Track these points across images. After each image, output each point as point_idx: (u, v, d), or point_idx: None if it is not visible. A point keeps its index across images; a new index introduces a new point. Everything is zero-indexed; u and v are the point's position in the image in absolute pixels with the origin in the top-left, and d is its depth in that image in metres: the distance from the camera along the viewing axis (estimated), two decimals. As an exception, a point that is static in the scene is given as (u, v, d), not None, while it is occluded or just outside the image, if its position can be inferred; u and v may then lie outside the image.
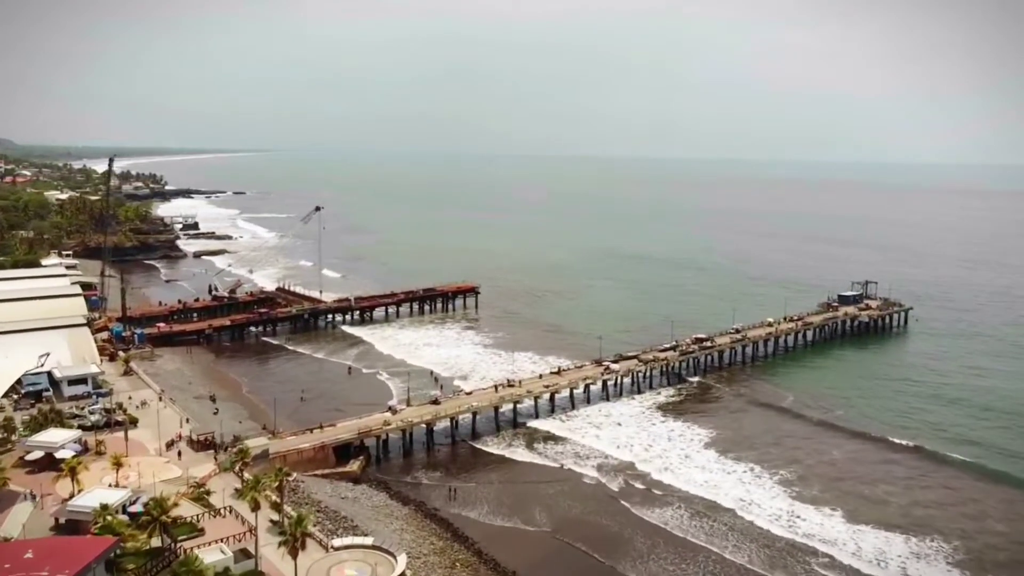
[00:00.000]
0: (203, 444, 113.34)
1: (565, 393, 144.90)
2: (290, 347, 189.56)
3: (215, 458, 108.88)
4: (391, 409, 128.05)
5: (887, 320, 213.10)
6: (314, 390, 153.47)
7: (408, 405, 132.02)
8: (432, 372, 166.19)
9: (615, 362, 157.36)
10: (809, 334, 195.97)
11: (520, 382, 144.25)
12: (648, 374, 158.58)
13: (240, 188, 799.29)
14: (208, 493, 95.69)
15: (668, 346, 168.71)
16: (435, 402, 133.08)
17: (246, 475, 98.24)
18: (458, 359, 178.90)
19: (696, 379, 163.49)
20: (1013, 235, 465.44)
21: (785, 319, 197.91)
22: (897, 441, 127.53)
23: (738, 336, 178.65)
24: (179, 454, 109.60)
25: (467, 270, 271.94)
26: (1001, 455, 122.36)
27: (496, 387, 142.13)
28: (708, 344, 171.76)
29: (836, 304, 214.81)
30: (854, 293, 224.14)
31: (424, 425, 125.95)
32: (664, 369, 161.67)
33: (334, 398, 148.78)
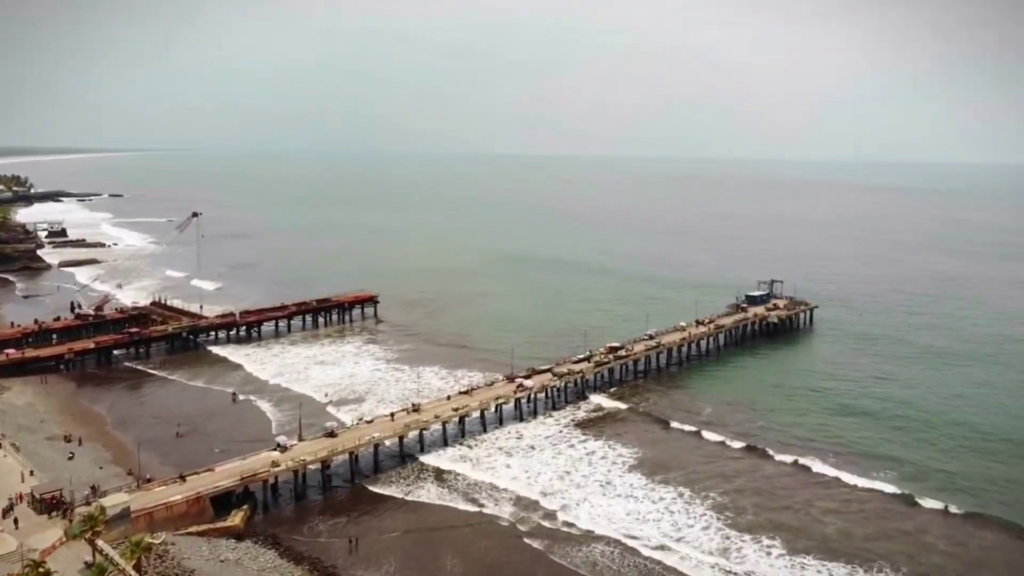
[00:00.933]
0: (50, 503, 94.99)
1: (476, 415, 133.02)
2: (164, 373, 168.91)
3: (66, 520, 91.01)
4: (280, 447, 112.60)
5: (794, 319, 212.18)
6: (192, 424, 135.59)
7: (300, 439, 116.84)
8: (328, 396, 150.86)
9: (528, 377, 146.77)
10: (721, 337, 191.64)
11: (424, 407, 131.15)
12: (563, 389, 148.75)
13: (117, 190, 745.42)
14: (48, 574, 78.28)
15: (582, 357, 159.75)
16: (331, 434, 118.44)
17: (101, 544, 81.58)
18: (357, 379, 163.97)
19: (613, 392, 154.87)
20: (910, 230, 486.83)
21: (697, 322, 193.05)
22: (821, 459, 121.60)
23: (652, 343, 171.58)
24: (15, 521, 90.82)
25: (365, 277, 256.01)
26: (922, 469, 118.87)
27: (401, 412, 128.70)
28: (623, 353, 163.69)
29: (745, 305, 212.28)
30: (761, 293, 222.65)
31: (319, 464, 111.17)
32: (579, 383, 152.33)
33: (214, 434, 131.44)
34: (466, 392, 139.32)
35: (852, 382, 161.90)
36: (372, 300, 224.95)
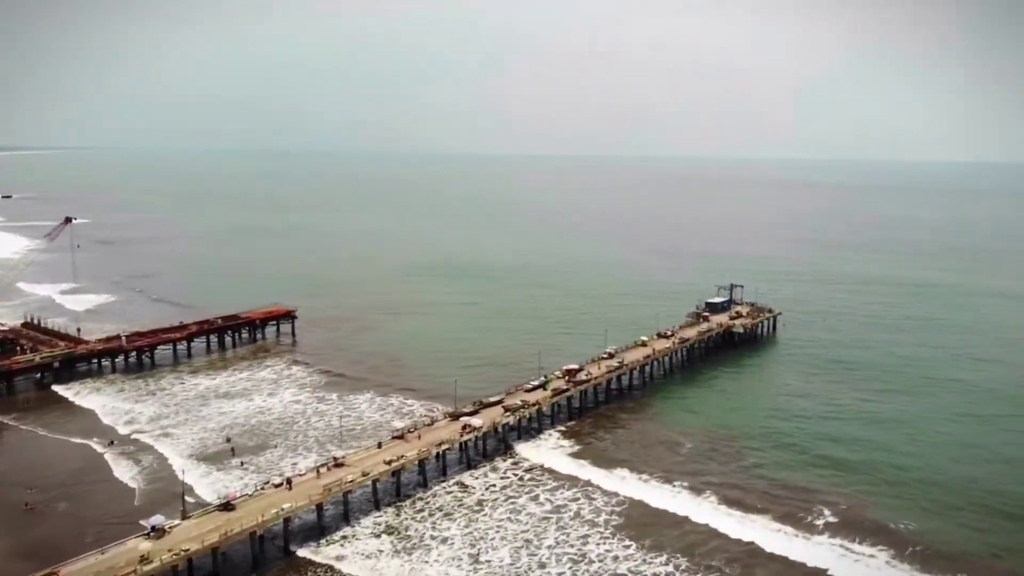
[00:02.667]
0: None
1: (414, 466, 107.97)
2: (18, 422, 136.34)
3: None
4: (154, 530, 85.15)
5: (758, 328, 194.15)
6: (49, 492, 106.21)
7: (184, 518, 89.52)
8: (230, 442, 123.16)
9: (475, 413, 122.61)
10: (685, 351, 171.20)
11: (349, 460, 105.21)
12: (517, 425, 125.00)
13: (7, 191, 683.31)
14: None
15: (536, 384, 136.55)
16: (227, 506, 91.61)
17: None
18: (269, 415, 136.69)
19: (574, 426, 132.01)
20: (866, 226, 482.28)
21: (659, 335, 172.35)
22: (826, 517, 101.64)
23: (614, 364, 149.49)
24: None
25: (283, 289, 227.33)
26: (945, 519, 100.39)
27: (323, 468, 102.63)
28: (583, 377, 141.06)
29: (707, 313, 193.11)
30: (721, 300, 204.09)
31: (209, 551, 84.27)
32: (535, 416, 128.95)
33: (74, 507, 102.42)
34: (400, 436, 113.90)
35: (831, 404, 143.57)
36: (289, 316, 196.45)
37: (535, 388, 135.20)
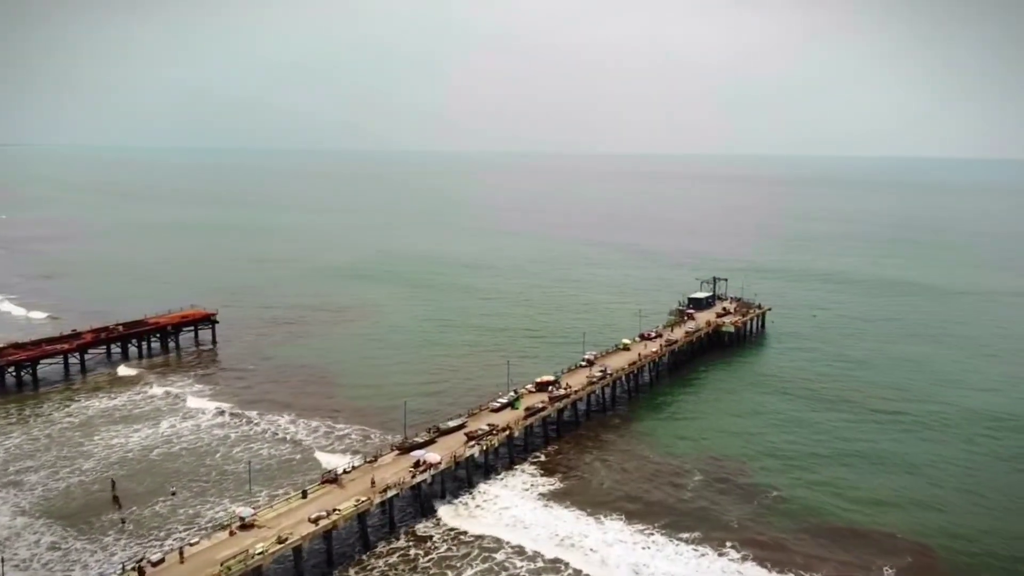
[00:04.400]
0: None
1: (351, 522, 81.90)
2: None
3: None
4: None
5: (746, 327, 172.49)
6: None
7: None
8: (114, 488, 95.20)
9: (429, 443, 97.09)
10: (672, 354, 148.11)
11: (261, 519, 78.64)
12: (484, 457, 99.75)
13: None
14: None
15: (504, 401, 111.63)
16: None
17: None
18: (173, 446, 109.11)
19: (553, 454, 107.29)
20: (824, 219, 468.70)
21: (642, 337, 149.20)
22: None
23: (596, 373, 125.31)
24: None
25: (203, 289, 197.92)
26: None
27: (224, 533, 75.96)
28: (560, 392, 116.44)
29: (691, 311, 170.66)
30: (705, 295, 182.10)
31: None
32: (504, 445, 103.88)
33: None
34: (333, 480, 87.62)
35: (846, 414, 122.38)
36: (208, 320, 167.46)
37: (503, 407, 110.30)
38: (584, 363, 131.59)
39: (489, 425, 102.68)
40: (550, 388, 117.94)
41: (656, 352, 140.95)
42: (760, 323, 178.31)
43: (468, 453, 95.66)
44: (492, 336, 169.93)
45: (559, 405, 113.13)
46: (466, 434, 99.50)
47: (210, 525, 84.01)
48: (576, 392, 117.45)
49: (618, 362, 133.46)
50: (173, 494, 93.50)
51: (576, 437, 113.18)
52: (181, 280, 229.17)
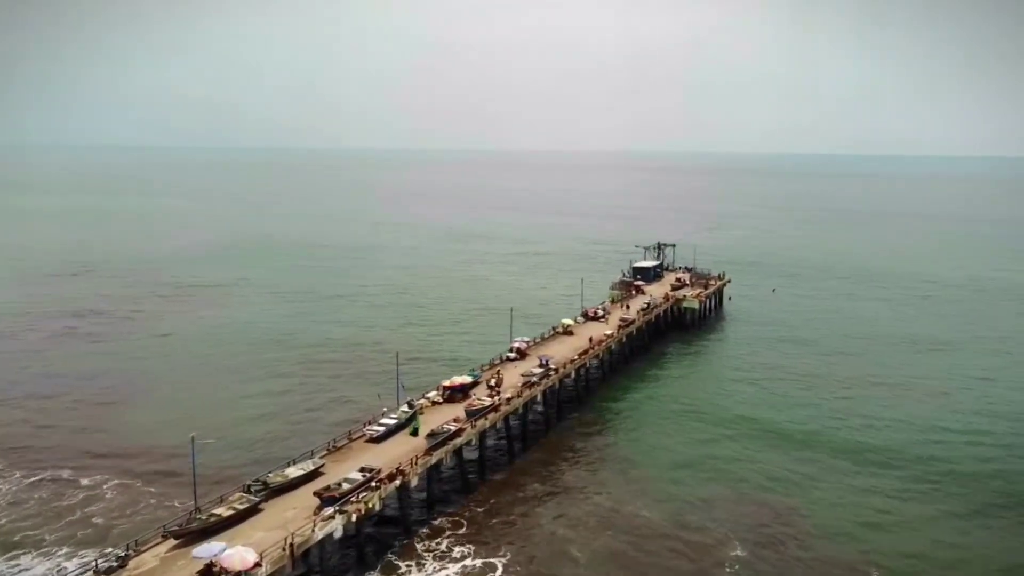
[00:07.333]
0: None
1: None
2: None
3: None
4: None
5: (709, 302, 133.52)
6: None
7: None
8: None
9: (237, 519, 49.91)
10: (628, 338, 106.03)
11: None
12: (358, 534, 53.36)
13: None
14: None
15: (392, 421, 65.69)
16: None
17: None
18: None
19: (471, 506, 62.14)
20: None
21: (586, 317, 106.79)
22: None
23: (534, 370, 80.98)
24: None
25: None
26: None
27: None
28: (483, 402, 71.35)
29: (639, 283, 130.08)
30: (652, 264, 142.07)
31: None
32: (394, 498, 57.83)
33: None
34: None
35: (849, 413, 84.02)
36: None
37: (389, 433, 64.26)
38: (514, 354, 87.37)
39: (364, 471, 56.44)
40: (468, 395, 73.04)
41: (611, 336, 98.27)
42: (719, 298, 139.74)
43: (320, 534, 49.00)
44: (370, 327, 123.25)
45: (483, 424, 68.09)
46: (319, 493, 52.83)
47: None
48: (508, 400, 72.74)
49: (562, 351, 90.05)
50: None
51: (510, 475, 68.57)
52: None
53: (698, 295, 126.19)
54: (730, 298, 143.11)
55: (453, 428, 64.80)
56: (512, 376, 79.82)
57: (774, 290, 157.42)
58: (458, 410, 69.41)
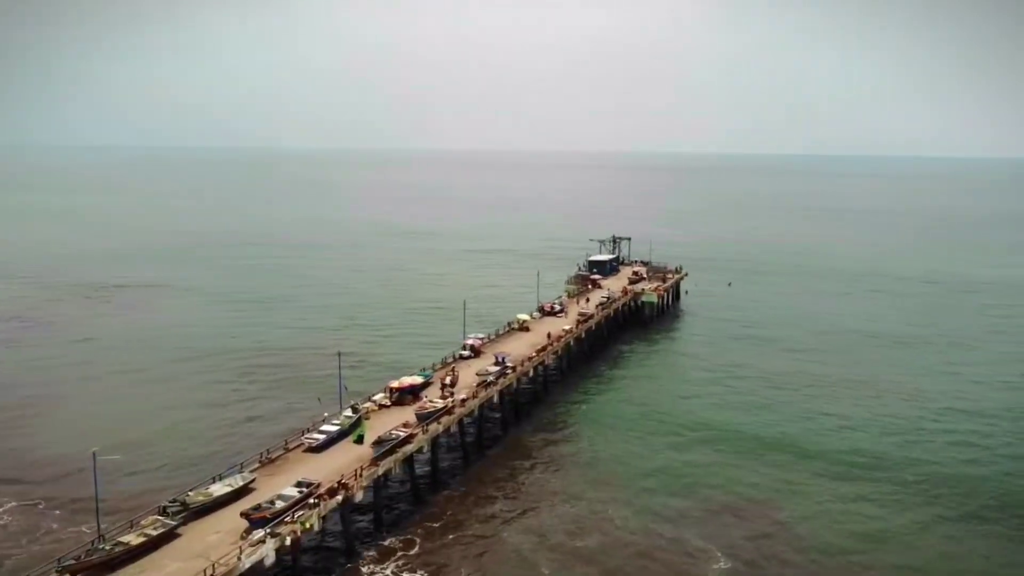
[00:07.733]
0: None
1: None
2: None
3: None
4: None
5: (668, 296, 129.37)
6: None
7: None
8: None
9: (144, 549, 42.43)
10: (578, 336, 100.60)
11: None
12: (294, 562, 46.30)
13: None
14: None
15: (334, 427, 58.76)
16: None
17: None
18: None
19: (424, 524, 55.56)
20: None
21: (543, 311, 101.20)
22: None
23: (490, 368, 74.80)
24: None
25: None
26: None
27: None
28: (435, 403, 64.81)
29: (596, 276, 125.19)
30: (608, 257, 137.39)
31: None
32: (335, 514, 50.90)
33: None
34: None
35: (833, 416, 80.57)
36: None
37: (330, 441, 57.29)
38: (467, 352, 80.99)
39: (300, 486, 49.39)
40: (419, 397, 66.51)
41: (570, 331, 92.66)
42: (675, 292, 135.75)
43: (248, 562, 41.88)
44: (307, 324, 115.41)
45: (436, 429, 61.52)
46: (248, 513, 45.64)
47: None
48: (463, 401, 66.32)
49: (519, 348, 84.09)
50: None
51: (466, 485, 62.16)
52: None
53: (657, 289, 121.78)
54: (687, 292, 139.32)
55: (402, 434, 58.14)
56: (467, 375, 73.49)
57: (730, 284, 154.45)
58: (408, 414, 62.80)
